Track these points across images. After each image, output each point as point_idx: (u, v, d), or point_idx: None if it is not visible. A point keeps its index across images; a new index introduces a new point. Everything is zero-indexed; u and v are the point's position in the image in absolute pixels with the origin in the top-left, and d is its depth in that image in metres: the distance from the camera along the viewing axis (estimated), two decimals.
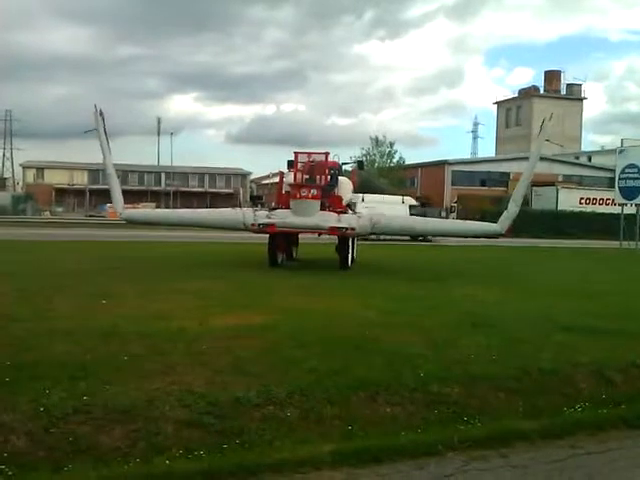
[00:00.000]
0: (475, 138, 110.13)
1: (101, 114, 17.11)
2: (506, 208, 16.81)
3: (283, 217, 16.76)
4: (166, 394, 5.64)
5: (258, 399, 5.70)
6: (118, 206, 17.53)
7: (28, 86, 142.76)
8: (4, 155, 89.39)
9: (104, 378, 5.92)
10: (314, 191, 16.91)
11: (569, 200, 55.86)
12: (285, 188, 17.99)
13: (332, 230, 16.71)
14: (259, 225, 16.66)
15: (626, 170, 37.73)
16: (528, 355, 7.47)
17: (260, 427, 5.38)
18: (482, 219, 17.18)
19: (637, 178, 36.65)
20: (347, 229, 16.59)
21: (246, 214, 17.17)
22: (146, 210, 19.38)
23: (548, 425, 5.98)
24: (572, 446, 5.70)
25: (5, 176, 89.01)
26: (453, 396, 6.23)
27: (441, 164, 67.00)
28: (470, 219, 22.10)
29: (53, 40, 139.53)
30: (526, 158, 66.82)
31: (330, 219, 16.78)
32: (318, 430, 5.48)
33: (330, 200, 17.55)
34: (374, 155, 66.99)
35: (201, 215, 19.02)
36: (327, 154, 18.11)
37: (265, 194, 41.27)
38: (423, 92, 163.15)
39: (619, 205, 38.87)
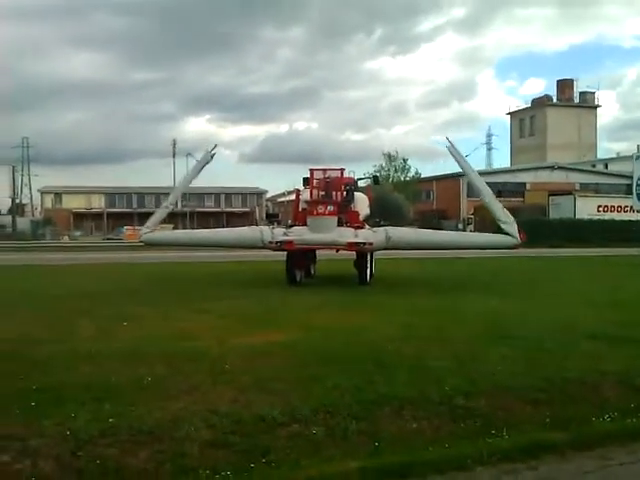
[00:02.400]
0: (489, 149, 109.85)
1: (212, 155, 17.87)
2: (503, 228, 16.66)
3: (301, 234, 16.77)
4: (191, 414, 5.62)
5: (283, 417, 5.66)
6: (144, 229, 17.83)
7: (44, 113, 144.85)
8: (22, 181, 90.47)
9: (129, 399, 5.93)
10: (331, 207, 16.92)
11: (587, 208, 55.49)
12: (302, 205, 18.03)
13: (350, 246, 16.67)
14: (277, 243, 16.67)
15: None
16: (554, 365, 7.38)
17: (286, 445, 5.33)
18: (499, 230, 17.08)
19: None
20: (365, 244, 16.55)
21: (264, 232, 17.19)
22: (165, 232, 19.52)
23: (577, 436, 5.87)
24: (602, 457, 5.59)
25: (24, 202, 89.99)
26: (479, 409, 6.15)
27: (456, 176, 66.67)
28: (487, 231, 21.99)
29: (69, 67, 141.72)
30: (542, 168, 66.80)
31: (347, 235, 16.75)
32: (344, 447, 5.43)
33: (347, 216, 17.55)
34: (388, 170, 67.03)
35: (220, 235, 19.06)
36: (342, 170, 18.14)
37: (281, 212, 41.35)
38: (436, 105, 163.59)
39: (637, 212, 38.54)
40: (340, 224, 17.09)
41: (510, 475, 5.19)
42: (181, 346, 8.23)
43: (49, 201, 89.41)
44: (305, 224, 17.14)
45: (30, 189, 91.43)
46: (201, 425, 5.43)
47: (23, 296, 14.10)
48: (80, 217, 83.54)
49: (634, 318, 10.74)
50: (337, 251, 18.13)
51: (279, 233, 16.97)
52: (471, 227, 53.99)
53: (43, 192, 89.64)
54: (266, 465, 5.07)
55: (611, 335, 9.03)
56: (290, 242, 16.56)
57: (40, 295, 14.27)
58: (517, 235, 16.35)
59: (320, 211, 16.89)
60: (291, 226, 17.74)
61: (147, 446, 5.13)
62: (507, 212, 16.98)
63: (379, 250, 17.99)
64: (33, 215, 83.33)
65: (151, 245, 20.60)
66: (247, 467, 5.02)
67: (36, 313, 11.29)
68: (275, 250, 17.36)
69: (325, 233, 16.66)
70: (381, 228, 17.52)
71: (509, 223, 16.50)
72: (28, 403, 5.75)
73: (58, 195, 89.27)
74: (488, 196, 17.60)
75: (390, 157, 67.39)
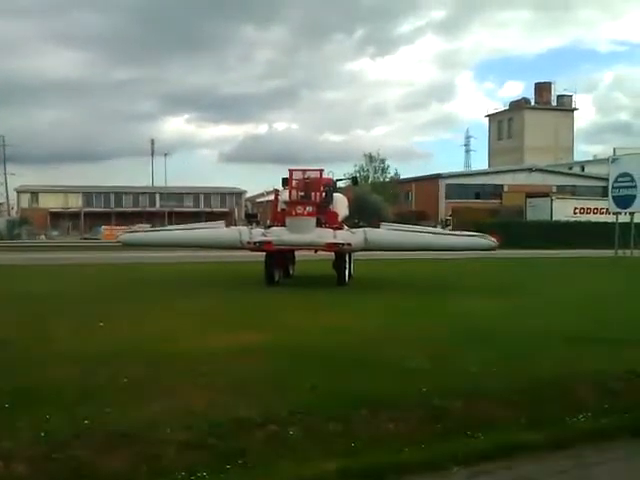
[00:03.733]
0: (468, 151, 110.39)
1: None
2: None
3: (279, 235, 16.77)
4: (167, 416, 5.59)
5: (260, 418, 5.65)
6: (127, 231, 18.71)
7: (22, 111, 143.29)
8: None
9: (104, 401, 5.88)
10: (309, 208, 16.94)
11: (563, 210, 55.99)
12: (280, 206, 18.03)
13: (329, 246, 16.69)
14: (255, 243, 16.66)
15: (619, 179, 37.88)
16: (529, 366, 7.45)
17: (263, 447, 5.32)
18: (477, 230, 17.36)
19: (630, 187, 36.78)
20: (343, 245, 16.59)
21: (242, 232, 17.20)
22: (142, 234, 19.47)
23: (551, 436, 5.93)
24: (576, 456, 5.66)
25: (0, 201, 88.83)
26: (455, 410, 6.19)
27: (435, 178, 67.23)
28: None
29: (46, 65, 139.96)
30: (519, 170, 67.36)
31: (326, 235, 16.78)
32: (321, 448, 5.43)
33: (326, 216, 17.58)
34: (367, 171, 67.15)
35: (198, 235, 18.88)
36: (321, 171, 18.16)
37: (260, 212, 41.32)
38: (415, 107, 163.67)
39: (613, 214, 38.98)
40: (319, 225, 17.11)
41: (485, 475, 5.23)
42: (158, 347, 8.18)
43: (26, 200, 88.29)
44: (284, 225, 17.14)
45: (6, 188, 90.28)
46: (177, 427, 5.40)
47: None
48: (57, 217, 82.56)
49: (610, 319, 10.88)
50: (316, 252, 18.15)
51: (257, 234, 16.96)
52: (449, 228, 54.24)
53: (19, 191, 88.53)
54: (242, 466, 5.06)
55: (586, 337, 9.12)
56: (269, 243, 16.55)
57: (15, 295, 14.10)
58: (492, 239, 16.82)
59: (299, 212, 16.91)
60: (270, 226, 17.73)
61: (123, 448, 5.10)
62: (467, 233, 17.82)
63: (358, 251, 18.04)
64: (9, 214, 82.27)
65: (129, 245, 20.53)
66: (223, 468, 5.01)
67: (11, 313, 11.16)
68: (253, 251, 17.35)
69: (304, 234, 16.67)
70: (360, 229, 17.56)
71: (478, 242, 17.28)
72: (2, 405, 5.69)
73: (35, 194, 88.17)
74: (441, 241, 18.28)
75: (370, 158, 67.55)
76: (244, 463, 5.09)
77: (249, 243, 16.77)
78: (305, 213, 16.88)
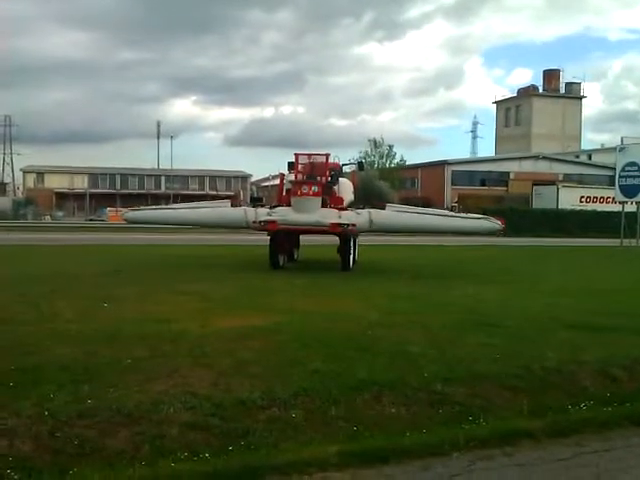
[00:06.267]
0: (474, 138, 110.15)
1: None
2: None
3: (284, 214, 16.72)
4: (170, 396, 5.61)
5: (262, 401, 5.67)
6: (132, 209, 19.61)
7: (28, 91, 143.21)
8: (4, 160, 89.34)
9: (108, 381, 5.91)
10: (315, 188, 16.83)
11: (570, 199, 55.87)
12: (286, 186, 17.96)
13: (333, 227, 16.57)
14: (260, 222, 16.64)
15: (626, 168, 37.64)
16: (532, 354, 7.44)
17: (265, 429, 5.35)
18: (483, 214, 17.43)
19: (637, 176, 36.57)
20: (348, 225, 16.50)
21: (248, 212, 17.22)
22: (147, 211, 19.52)
23: (553, 423, 5.94)
24: (578, 444, 5.66)
25: (5, 181, 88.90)
26: (457, 396, 6.20)
27: (441, 164, 67.04)
28: None
29: (53, 45, 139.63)
30: (526, 157, 67.10)
31: (331, 216, 16.71)
32: (323, 431, 5.46)
33: (331, 200, 17.50)
34: (373, 156, 67.01)
35: (203, 214, 18.80)
36: (328, 155, 18.09)
37: (265, 196, 41.26)
38: (422, 93, 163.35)
39: (619, 203, 38.82)
40: (324, 206, 17.06)
41: (485, 461, 5.24)
42: (162, 328, 8.20)
43: (31, 181, 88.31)
44: (289, 206, 17.10)
45: (12, 168, 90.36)
46: (180, 407, 5.43)
47: (2, 276, 13.97)
48: (62, 197, 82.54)
49: (612, 308, 10.85)
50: (321, 233, 18.04)
51: (263, 213, 16.95)
52: None
53: (25, 171, 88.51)
54: (245, 448, 5.09)
55: (589, 324, 9.11)
56: (273, 222, 16.52)
57: (20, 276, 14.15)
58: (497, 222, 16.81)
59: (304, 192, 16.81)
60: (275, 207, 17.67)
61: (126, 428, 5.13)
62: (472, 215, 18.20)
63: (362, 232, 17.96)
64: (15, 195, 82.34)
65: (133, 223, 20.63)
66: (226, 450, 5.04)
67: (16, 293, 11.19)
68: (258, 230, 17.37)
69: (308, 213, 16.58)
70: (365, 210, 17.42)
71: (484, 224, 17.28)
72: (6, 383, 5.72)
73: (40, 175, 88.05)
74: (447, 223, 18.24)
75: (375, 143, 67.38)
76: (246, 445, 5.12)
77: (254, 222, 16.75)
78: (311, 193, 16.79)
